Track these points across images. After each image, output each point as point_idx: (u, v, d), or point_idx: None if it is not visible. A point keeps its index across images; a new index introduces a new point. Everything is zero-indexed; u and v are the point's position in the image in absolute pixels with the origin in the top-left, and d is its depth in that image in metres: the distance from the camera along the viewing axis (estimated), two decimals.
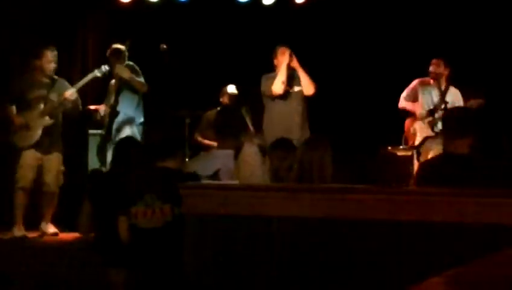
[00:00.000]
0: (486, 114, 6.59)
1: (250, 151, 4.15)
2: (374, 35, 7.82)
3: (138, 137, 6.66)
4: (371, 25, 7.84)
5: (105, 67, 6.75)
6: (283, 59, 6.45)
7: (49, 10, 7.56)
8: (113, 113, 6.72)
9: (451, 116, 4.28)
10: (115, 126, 6.71)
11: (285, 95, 6.42)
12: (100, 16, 8.09)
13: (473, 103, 6.55)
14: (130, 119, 6.78)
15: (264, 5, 8.00)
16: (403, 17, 7.72)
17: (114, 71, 6.80)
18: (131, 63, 6.81)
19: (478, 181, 3.68)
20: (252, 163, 4.11)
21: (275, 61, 6.55)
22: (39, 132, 6.44)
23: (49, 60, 6.53)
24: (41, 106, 6.49)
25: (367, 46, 7.81)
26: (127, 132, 6.65)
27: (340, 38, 7.87)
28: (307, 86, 6.43)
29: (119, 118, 6.74)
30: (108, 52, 6.85)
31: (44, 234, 6.50)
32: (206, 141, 7.45)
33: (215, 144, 7.33)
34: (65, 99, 6.52)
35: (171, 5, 8.03)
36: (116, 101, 6.72)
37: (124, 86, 6.75)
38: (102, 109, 6.92)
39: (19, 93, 6.53)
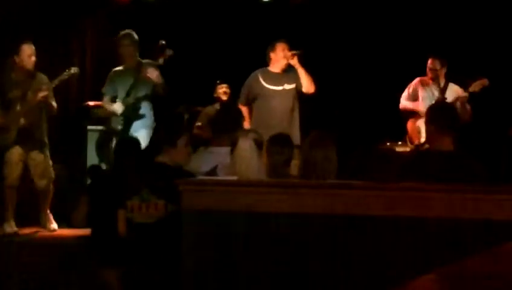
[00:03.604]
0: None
1: (245, 145, 4.14)
2: (373, 32, 7.82)
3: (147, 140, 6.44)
4: (370, 21, 7.84)
5: (74, 69, 6.49)
6: (283, 55, 6.37)
7: (47, 8, 7.55)
8: (134, 113, 6.43)
9: (437, 111, 4.21)
10: (133, 127, 6.43)
11: (275, 94, 6.38)
12: (97, 13, 8.08)
13: (475, 85, 6.29)
14: (145, 121, 6.52)
15: (262, 1, 8.00)
16: (401, 12, 7.71)
17: (124, 53, 6.54)
18: (150, 60, 6.55)
19: (462, 179, 3.68)
20: (247, 157, 4.10)
21: (272, 55, 6.46)
22: (14, 133, 6.33)
23: (28, 54, 6.37)
24: (18, 106, 6.35)
25: (366, 42, 7.80)
26: (142, 134, 6.28)
27: (339, 34, 7.87)
28: (307, 85, 6.36)
29: (136, 119, 6.46)
30: (124, 38, 6.57)
31: (43, 228, 6.49)
32: (205, 134, 7.39)
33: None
34: (39, 99, 6.34)
35: (169, 2, 8.03)
36: (138, 100, 6.46)
37: (143, 84, 6.46)
38: (116, 106, 6.54)
39: (1, 93, 6.41)
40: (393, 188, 3.46)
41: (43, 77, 6.49)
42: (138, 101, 6.47)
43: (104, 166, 6.36)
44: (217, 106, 7.65)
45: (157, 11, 7.94)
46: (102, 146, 6.62)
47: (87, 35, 7.99)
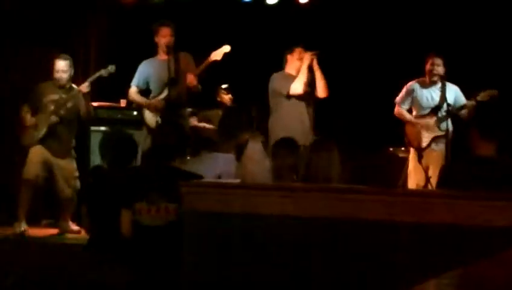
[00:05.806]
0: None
1: (255, 147, 4.16)
2: (377, 36, 7.81)
3: None
4: (374, 25, 7.83)
5: (112, 67, 6.52)
6: (303, 58, 6.35)
7: (51, 11, 7.55)
8: (176, 109, 6.17)
9: (482, 116, 4.15)
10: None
11: (303, 96, 6.35)
12: (101, 16, 8.08)
13: (484, 95, 6.19)
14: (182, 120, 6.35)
15: (267, 4, 8.00)
16: (406, 17, 7.69)
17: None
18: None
19: (505, 186, 3.63)
20: (257, 159, 4.12)
21: (289, 57, 6.45)
22: (44, 130, 6.43)
23: (57, 69, 6.50)
24: (52, 106, 6.49)
25: (370, 46, 7.79)
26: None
27: (343, 38, 7.86)
28: (322, 89, 6.39)
29: (176, 118, 6.21)
30: (166, 27, 6.41)
31: (65, 231, 6.50)
32: (198, 124, 7.31)
33: (207, 125, 7.22)
34: (79, 92, 6.45)
35: (173, 5, 8.02)
36: (179, 96, 6.25)
37: (182, 79, 6.24)
38: (157, 101, 6.37)
39: (36, 98, 6.54)
40: (395, 193, 3.45)
41: (78, 92, 6.55)
42: (179, 97, 6.29)
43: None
44: (220, 111, 7.65)
45: (161, 11, 7.93)
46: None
47: (91, 35, 7.99)
